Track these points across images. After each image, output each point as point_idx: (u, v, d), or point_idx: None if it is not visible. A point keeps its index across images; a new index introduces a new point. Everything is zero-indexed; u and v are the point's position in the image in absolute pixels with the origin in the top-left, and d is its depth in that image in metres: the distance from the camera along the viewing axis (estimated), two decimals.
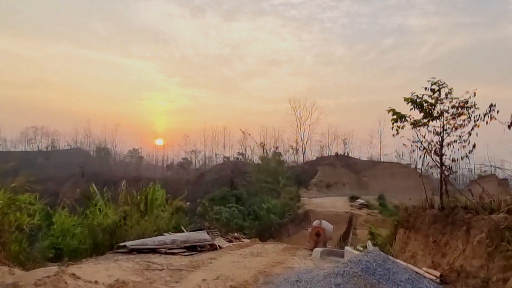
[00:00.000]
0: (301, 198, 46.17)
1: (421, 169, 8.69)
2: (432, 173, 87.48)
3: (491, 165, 7.21)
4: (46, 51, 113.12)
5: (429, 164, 8.40)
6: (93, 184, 12.98)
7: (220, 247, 11.37)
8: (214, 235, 12.30)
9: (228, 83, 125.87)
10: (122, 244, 8.68)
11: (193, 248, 9.97)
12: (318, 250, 10.64)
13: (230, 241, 14.51)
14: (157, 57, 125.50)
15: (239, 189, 34.52)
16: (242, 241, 14.80)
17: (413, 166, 77.93)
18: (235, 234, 15.43)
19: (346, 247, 11.08)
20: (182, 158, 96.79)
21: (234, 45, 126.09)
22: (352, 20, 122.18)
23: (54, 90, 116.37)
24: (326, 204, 41.96)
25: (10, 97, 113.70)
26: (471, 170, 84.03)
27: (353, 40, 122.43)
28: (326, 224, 12.70)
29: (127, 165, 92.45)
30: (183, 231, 12.12)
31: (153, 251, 8.73)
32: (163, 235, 10.09)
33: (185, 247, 9.63)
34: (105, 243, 9.79)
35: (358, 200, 42.02)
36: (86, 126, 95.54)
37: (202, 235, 10.75)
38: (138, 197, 13.25)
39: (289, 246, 12.94)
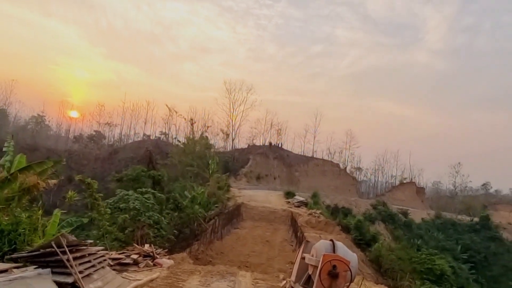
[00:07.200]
0: (231, 188, 39.93)
1: None
2: (358, 175, 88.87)
3: None
4: None
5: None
6: None
7: None
8: (87, 268, 5.17)
9: (156, 63, 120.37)
10: None
11: None
12: None
13: (135, 264, 7.43)
14: (81, 22, 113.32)
15: (159, 170, 26.62)
16: (159, 264, 7.80)
17: (342, 166, 77.58)
18: (145, 247, 8.36)
19: None
20: (94, 131, 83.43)
21: (167, 25, 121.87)
22: (286, 22, 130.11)
23: None
24: (259, 198, 36.22)
25: None
26: (394, 177, 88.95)
27: (285, 41, 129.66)
28: (343, 250, 5.53)
29: (20, 130, 75.81)
30: None
31: None
32: None
33: None
34: None
35: (296, 197, 37.12)
36: None
37: None
38: None
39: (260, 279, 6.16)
